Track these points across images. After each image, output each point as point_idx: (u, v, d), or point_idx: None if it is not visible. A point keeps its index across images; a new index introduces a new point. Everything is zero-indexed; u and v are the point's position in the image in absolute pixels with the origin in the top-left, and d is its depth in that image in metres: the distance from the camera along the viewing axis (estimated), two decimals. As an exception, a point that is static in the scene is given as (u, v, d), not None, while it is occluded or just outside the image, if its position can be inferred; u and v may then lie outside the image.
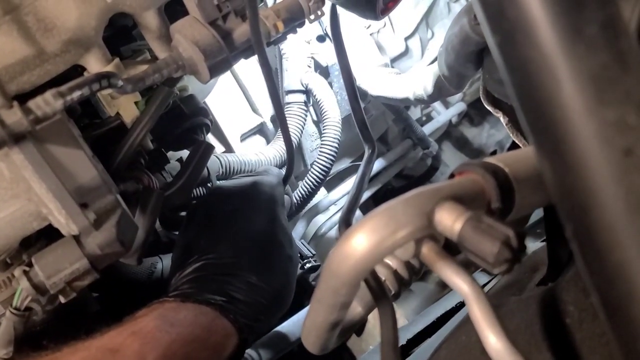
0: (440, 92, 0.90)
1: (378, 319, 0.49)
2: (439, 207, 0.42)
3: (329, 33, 1.05)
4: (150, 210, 0.66)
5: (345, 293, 0.45)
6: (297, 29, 0.63)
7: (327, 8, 0.73)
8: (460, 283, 0.44)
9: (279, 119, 0.72)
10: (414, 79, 0.97)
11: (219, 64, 0.58)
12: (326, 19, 0.79)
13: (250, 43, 0.60)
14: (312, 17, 0.60)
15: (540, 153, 0.30)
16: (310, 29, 1.14)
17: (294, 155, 0.81)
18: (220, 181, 0.85)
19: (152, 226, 0.67)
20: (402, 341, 0.95)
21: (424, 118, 1.58)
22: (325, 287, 0.45)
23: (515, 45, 0.28)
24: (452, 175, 0.49)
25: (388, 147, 1.45)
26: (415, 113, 1.53)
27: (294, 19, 0.61)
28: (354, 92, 0.77)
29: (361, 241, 0.42)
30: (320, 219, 1.22)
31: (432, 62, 1.17)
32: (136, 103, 0.68)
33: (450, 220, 0.41)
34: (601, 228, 0.27)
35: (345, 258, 0.43)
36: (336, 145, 1.03)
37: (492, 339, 0.41)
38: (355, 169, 1.29)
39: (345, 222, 0.62)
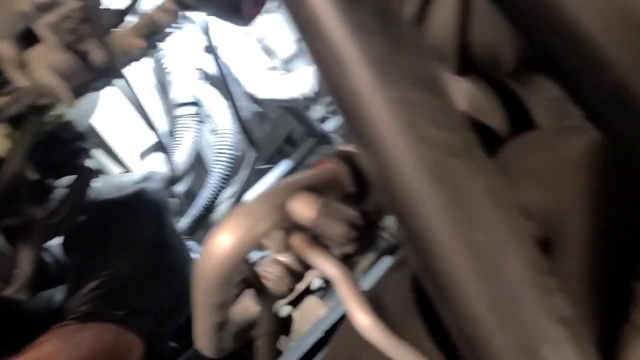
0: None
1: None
2: (293, 199, 0.44)
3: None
4: (34, 242, 0.65)
5: (218, 293, 0.46)
6: (159, 43, 0.64)
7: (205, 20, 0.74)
8: (328, 267, 0.46)
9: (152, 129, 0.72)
10: (300, 79, 1.00)
11: (80, 86, 0.58)
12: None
13: (113, 61, 0.60)
14: (168, 30, 0.61)
15: (352, 135, 0.33)
16: (196, 41, 1.15)
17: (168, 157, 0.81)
18: (104, 195, 0.84)
19: (37, 258, 0.65)
20: (321, 333, 0.97)
21: (328, 115, 1.61)
22: (199, 289, 0.46)
23: (311, 40, 0.31)
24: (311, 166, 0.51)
25: (296, 148, 1.47)
26: (319, 111, 1.56)
27: (152, 33, 0.61)
28: (232, 101, 0.78)
29: (223, 240, 0.44)
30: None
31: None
32: (7, 135, 0.66)
33: (305, 210, 0.44)
34: (403, 197, 0.30)
35: (210, 259, 0.44)
36: (230, 153, 1.04)
37: (360, 316, 0.44)
38: (265, 172, 1.30)
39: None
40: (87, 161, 0.77)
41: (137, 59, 0.63)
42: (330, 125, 1.50)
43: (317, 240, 0.47)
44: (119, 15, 0.72)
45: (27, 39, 0.61)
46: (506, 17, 0.39)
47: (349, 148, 0.51)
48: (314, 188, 0.46)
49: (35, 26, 0.58)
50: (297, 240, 0.47)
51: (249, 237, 0.43)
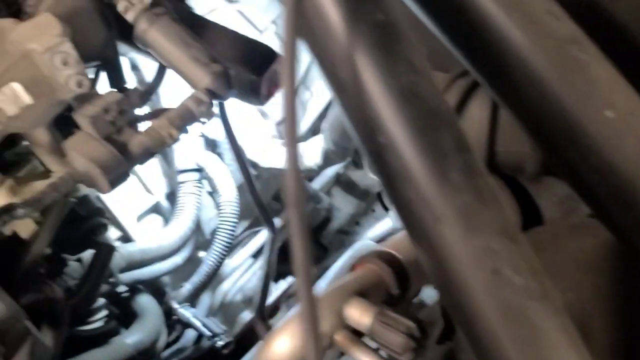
0: (327, 162, 0.97)
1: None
2: (347, 304, 0.47)
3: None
4: (58, 325, 0.65)
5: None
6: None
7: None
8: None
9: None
10: (303, 153, 1.03)
11: (118, 176, 0.60)
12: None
13: (149, 151, 0.62)
14: (203, 119, 0.64)
15: (434, 280, 0.36)
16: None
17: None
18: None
19: (62, 339, 0.65)
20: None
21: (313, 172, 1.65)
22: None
23: (397, 188, 0.34)
24: (353, 267, 0.54)
25: (283, 207, 1.49)
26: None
27: (186, 124, 0.64)
28: (248, 179, 0.80)
29: (281, 347, 0.46)
30: (224, 286, 1.24)
31: (313, 124, 1.25)
32: (36, 221, 0.67)
33: (359, 317, 0.47)
34: (481, 334, 0.33)
35: (269, 363, 0.46)
36: (234, 221, 1.06)
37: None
38: (254, 233, 1.31)
39: (260, 316, 0.66)
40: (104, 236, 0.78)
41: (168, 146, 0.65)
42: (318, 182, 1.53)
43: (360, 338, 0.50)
44: (144, 96, 0.74)
45: (61, 122, 0.63)
46: (528, 133, 0.44)
47: (387, 249, 0.54)
48: (363, 292, 0.49)
49: (75, 116, 0.60)
50: (340, 337, 0.50)
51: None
